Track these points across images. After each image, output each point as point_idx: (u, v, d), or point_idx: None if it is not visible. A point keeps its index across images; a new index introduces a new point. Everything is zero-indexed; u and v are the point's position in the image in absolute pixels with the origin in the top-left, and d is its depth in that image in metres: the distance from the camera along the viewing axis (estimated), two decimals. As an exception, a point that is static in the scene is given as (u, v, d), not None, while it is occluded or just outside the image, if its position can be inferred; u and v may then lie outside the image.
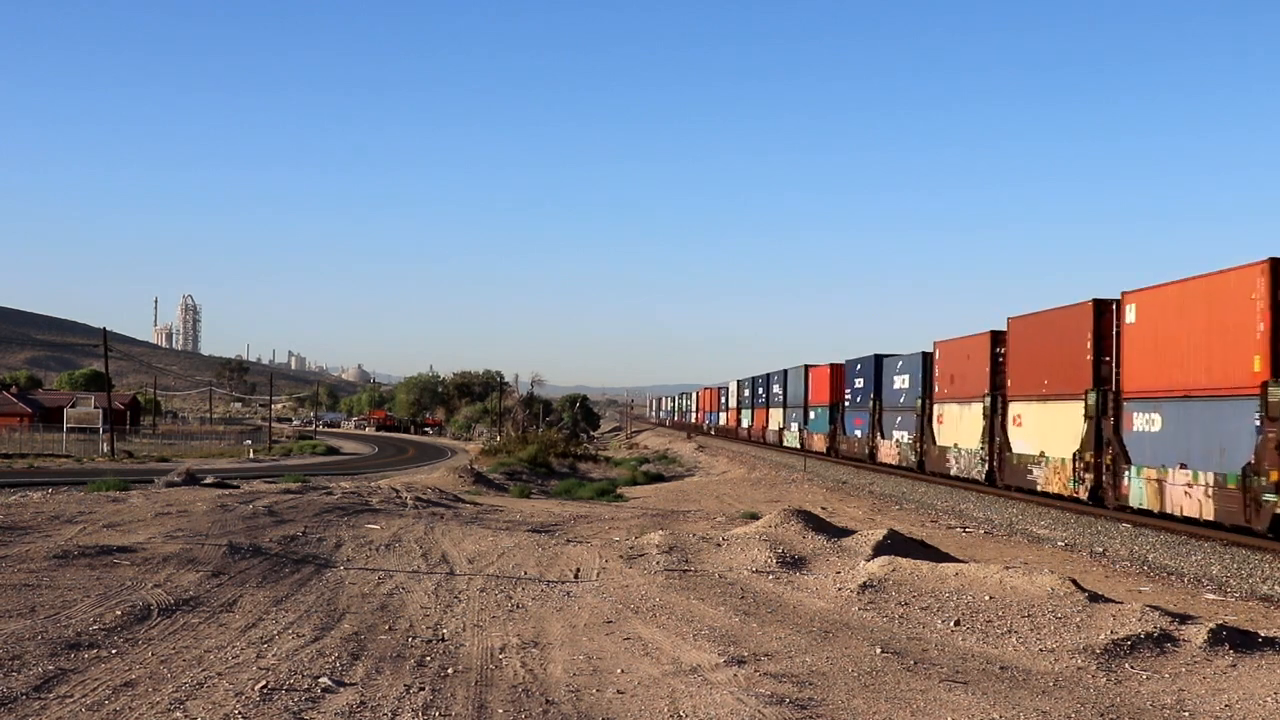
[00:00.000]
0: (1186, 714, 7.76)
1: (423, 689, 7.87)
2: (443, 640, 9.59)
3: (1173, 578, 17.01)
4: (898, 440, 42.05)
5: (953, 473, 35.28)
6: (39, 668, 8.01)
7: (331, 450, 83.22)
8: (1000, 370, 31.75)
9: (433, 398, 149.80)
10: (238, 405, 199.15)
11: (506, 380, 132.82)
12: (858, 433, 48.25)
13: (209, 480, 28.29)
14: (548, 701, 7.64)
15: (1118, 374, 24.45)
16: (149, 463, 57.52)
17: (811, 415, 57.35)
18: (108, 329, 77.89)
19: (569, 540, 16.63)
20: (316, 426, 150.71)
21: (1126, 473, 23.48)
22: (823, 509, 25.41)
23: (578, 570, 13.55)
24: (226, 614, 10.37)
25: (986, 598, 11.21)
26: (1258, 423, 18.79)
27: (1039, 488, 28.23)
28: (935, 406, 37.31)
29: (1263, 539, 18.94)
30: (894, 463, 42.19)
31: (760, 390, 73.81)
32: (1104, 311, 25.31)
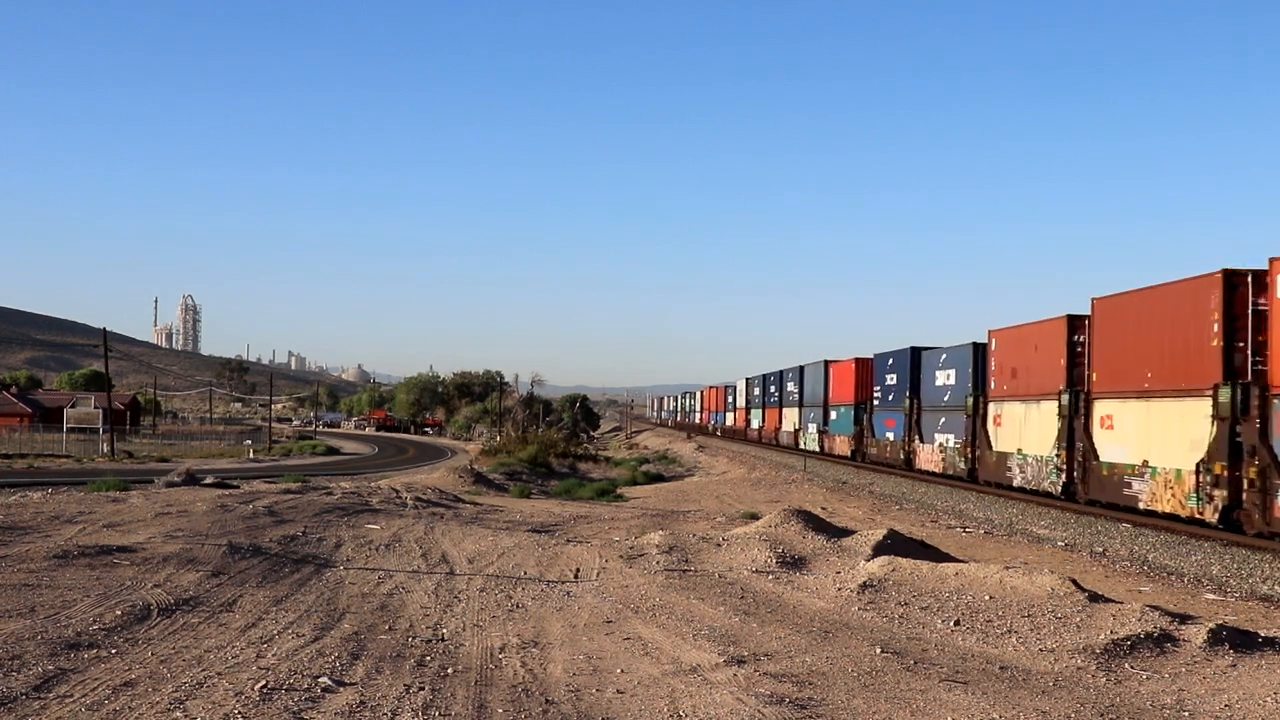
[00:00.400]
0: (1186, 714, 7.76)
1: (423, 689, 7.87)
2: (443, 640, 9.60)
3: (1173, 578, 17.01)
4: (941, 445, 36.80)
5: (1016, 483, 29.89)
6: (39, 667, 8.01)
7: (331, 450, 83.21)
8: (1079, 362, 26.87)
9: (433, 398, 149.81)
10: (238, 405, 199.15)
11: (506, 380, 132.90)
12: (890, 435, 42.94)
13: (209, 480, 28.29)
14: (548, 701, 7.64)
15: (1262, 363, 19.36)
16: (149, 463, 57.52)
17: (833, 415, 52.33)
18: (108, 329, 77.93)
19: (569, 540, 16.63)
20: (316, 427, 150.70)
21: None
22: (823, 509, 25.42)
23: (578, 570, 13.55)
24: (226, 614, 10.37)
25: (986, 598, 11.21)
26: None
27: (1141, 505, 23.07)
28: (991, 406, 32.05)
29: None
30: (936, 470, 37.16)
31: (773, 388, 68.85)
32: (1237, 285, 20.05)
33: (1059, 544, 21.07)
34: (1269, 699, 8.03)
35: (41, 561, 12.61)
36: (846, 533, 16.68)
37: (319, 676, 8.04)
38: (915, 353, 40.32)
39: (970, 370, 34.21)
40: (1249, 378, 19.57)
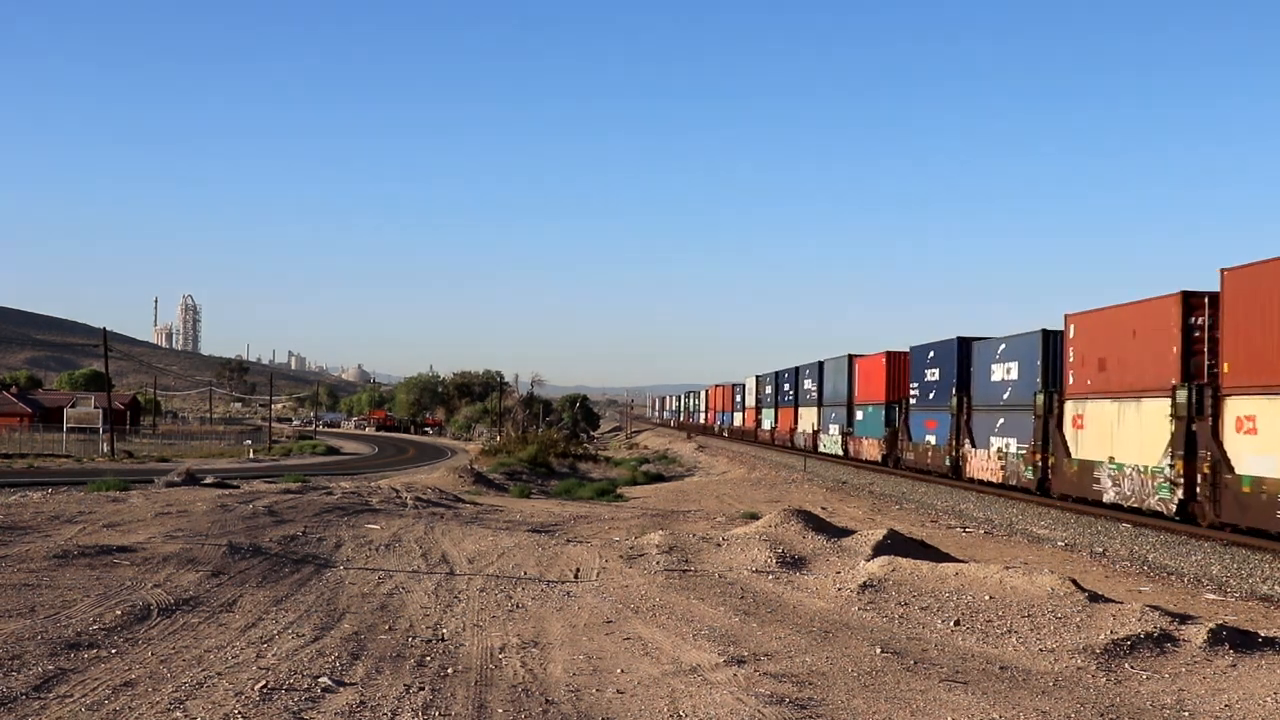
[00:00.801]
0: (1186, 714, 7.76)
1: (423, 689, 7.88)
2: (443, 640, 9.60)
3: (1173, 578, 17.02)
4: (1000, 450, 31.56)
5: (1108, 499, 24.59)
6: (39, 667, 8.01)
7: (331, 450, 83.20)
8: (1197, 349, 22.02)
9: (433, 398, 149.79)
10: (238, 405, 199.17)
11: (506, 380, 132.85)
12: (930, 438, 37.89)
13: (209, 480, 28.30)
14: (548, 701, 7.64)
15: None
16: (149, 463, 57.52)
17: (858, 416, 47.69)
18: (108, 329, 77.88)
19: (569, 540, 16.63)
20: (316, 426, 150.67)
21: None
22: (823, 509, 25.42)
23: (578, 570, 13.55)
24: (226, 614, 10.37)
25: (986, 598, 11.21)
26: None
27: None
28: (1069, 405, 26.81)
29: None
30: (993, 479, 31.88)
31: (787, 386, 64.18)
32: None
33: (1059, 544, 21.08)
34: (1269, 699, 8.03)
35: (41, 561, 12.62)
36: (846, 533, 16.68)
37: (319, 676, 8.04)
38: (964, 344, 35.29)
39: (1039, 362, 29.24)
40: None
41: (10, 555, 12.93)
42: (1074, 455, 26.64)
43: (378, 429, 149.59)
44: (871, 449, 45.17)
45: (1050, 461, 28.17)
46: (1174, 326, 22.51)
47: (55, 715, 6.95)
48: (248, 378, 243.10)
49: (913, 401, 40.43)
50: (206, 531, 15.72)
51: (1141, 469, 23.40)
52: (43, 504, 20.02)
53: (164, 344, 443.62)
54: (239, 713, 7.06)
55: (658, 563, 13.85)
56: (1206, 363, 21.86)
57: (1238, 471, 19.89)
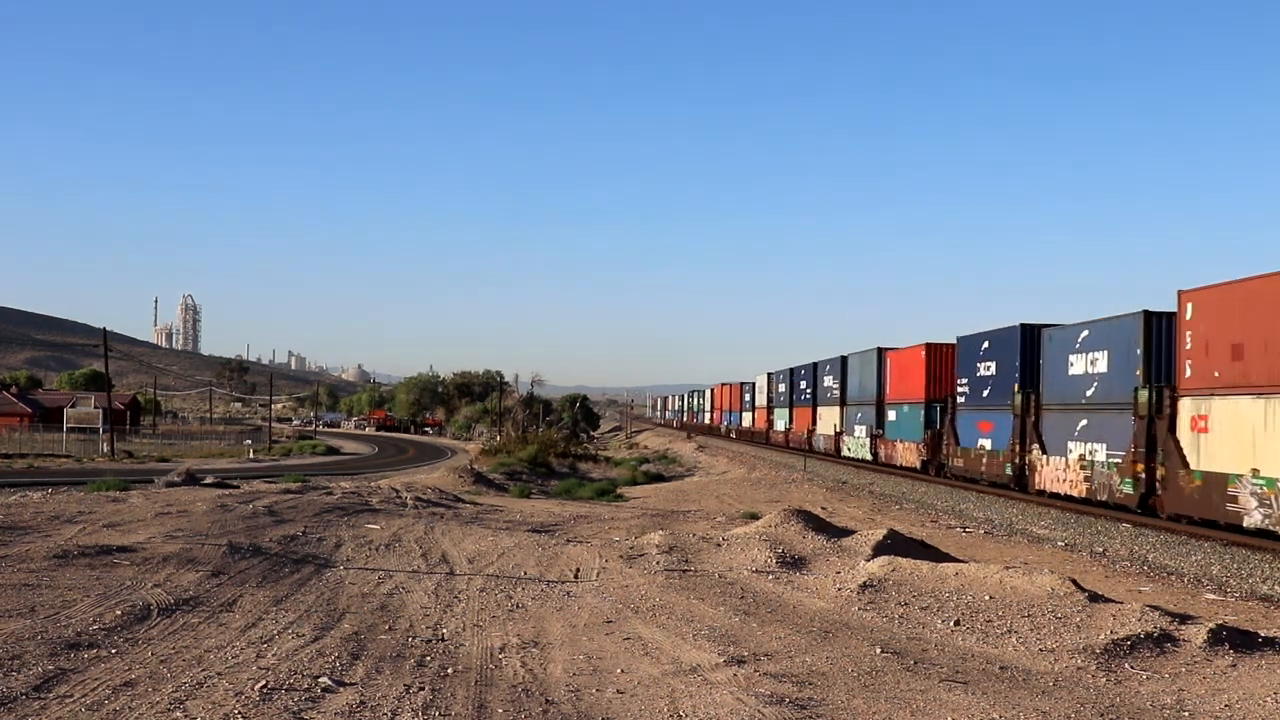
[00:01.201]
0: (1186, 714, 7.76)
1: (423, 689, 7.88)
2: (443, 640, 9.60)
3: (1173, 578, 17.02)
4: (1083, 458, 26.35)
5: (1252, 523, 19.40)
6: (39, 667, 8.01)
7: (331, 450, 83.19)
8: None
9: (433, 398, 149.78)
10: (238, 405, 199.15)
11: (506, 380, 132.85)
12: (985, 443, 32.71)
13: (209, 480, 28.30)
14: (548, 701, 7.64)
15: None
16: (149, 463, 57.51)
17: (890, 416, 42.80)
18: (108, 329, 77.87)
19: (569, 540, 16.63)
20: (316, 426, 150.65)
21: None
22: (823, 509, 25.42)
23: (578, 570, 13.55)
24: (226, 614, 10.37)
25: (986, 598, 11.22)
26: None
27: None
28: (1185, 403, 21.97)
29: None
30: (1074, 493, 26.68)
31: (803, 384, 59.44)
32: None
33: (1059, 544, 21.08)
34: (1269, 699, 8.03)
35: (41, 561, 12.62)
36: (846, 533, 16.69)
37: (319, 676, 8.04)
38: (1030, 332, 30.44)
39: (1139, 351, 24.17)
40: None
41: (10, 555, 12.93)
42: (1195, 466, 21.44)
43: (378, 429, 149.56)
44: (908, 454, 40.09)
45: (1160, 474, 22.98)
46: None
47: (55, 715, 6.95)
48: (248, 378, 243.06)
49: (960, 400, 35.21)
50: (206, 531, 15.72)
51: None
52: (43, 504, 20.02)
53: (164, 344, 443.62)
54: (239, 713, 7.06)
55: (658, 563, 13.85)
56: None
57: None
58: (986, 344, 33.17)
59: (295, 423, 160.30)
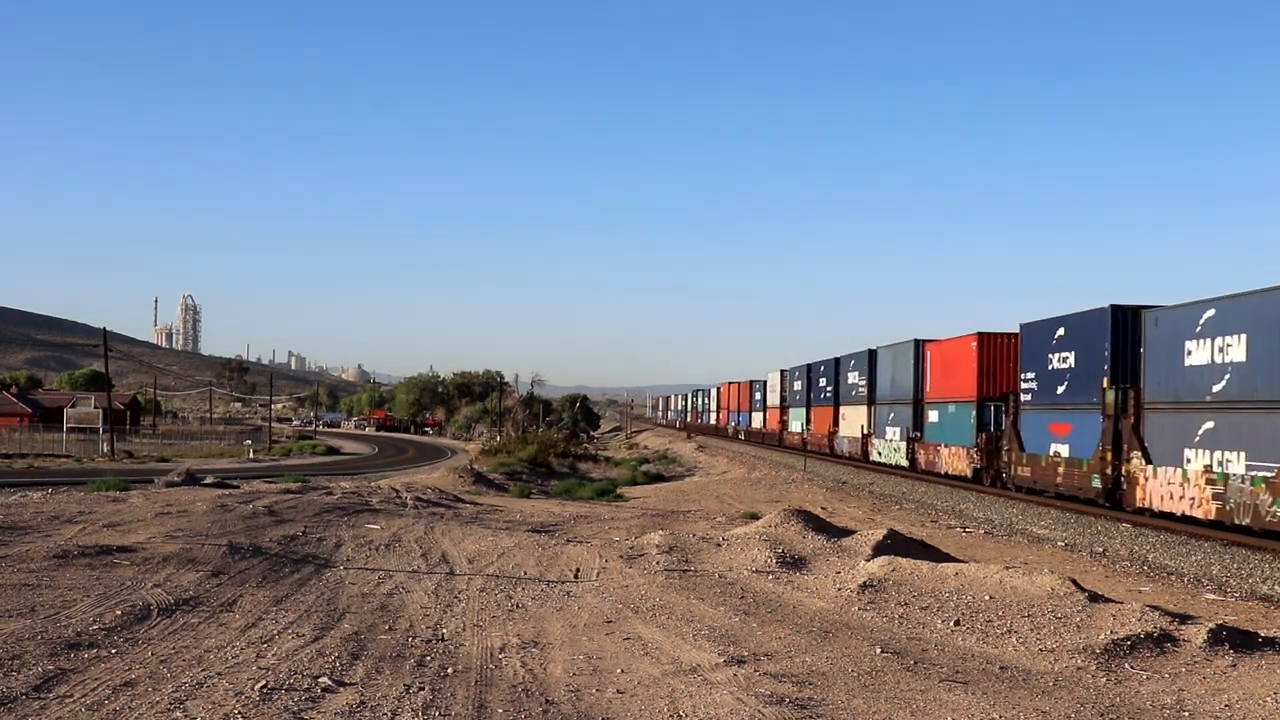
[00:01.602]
0: (1186, 714, 7.77)
1: (423, 689, 7.88)
2: (443, 640, 9.60)
3: (1173, 578, 17.03)
4: (1209, 470, 21.06)
5: None
6: (39, 667, 8.01)
7: (331, 450, 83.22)
8: None
9: (433, 398, 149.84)
10: (238, 405, 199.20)
11: (506, 380, 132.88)
12: (1060, 448, 27.69)
13: (209, 480, 28.30)
14: (548, 701, 7.65)
15: None
16: (149, 463, 57.52)
17: (931, 417, 38.28)
18: (108, 329, 77.88)
19: (569, 540, 16.64)
20: (316, 426, 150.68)
21: None
22: (823, 509, 25.43)
23: (578, 570, 13.56)
24: (226, 614, 10.38)
25: (986, 598, 11.22)
26: None
27: None
28: None
29: None
30: (1202, 515, 21.27)
31: (823, 381, 54.61)
32: None
33: (1059, 544, 21.08)
34: (1269, 699, 8.03)
35: (41, 561, 12.62)
36: (846, 533, 16.69)
37: (319, 676, 8.05)
38: (1124, 314, 25.50)
39: None
40: None
41: (10, 555, 12.94)
42: None
43: (378, 429, 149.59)
44: (955, 460, 35.41)
45: None
46: None
47: (55, 715, 6.95)
48: (248, 378, 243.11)
49: (1027, 397, 30.07)
50: (206, 531, 15.73)
51: None
52: (43, 504, 20.03)
53: (164, 344, 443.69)
54: (239, 713, 7.07)
55: (658, 563, 13.85)
56: None
57: None
58: (1062, 331, 28.04)
59: (295, 423, 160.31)
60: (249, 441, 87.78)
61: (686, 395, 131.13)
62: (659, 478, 46.91)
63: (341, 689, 7.76)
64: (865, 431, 46.54)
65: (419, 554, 14.88)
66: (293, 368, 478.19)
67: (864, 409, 46.82)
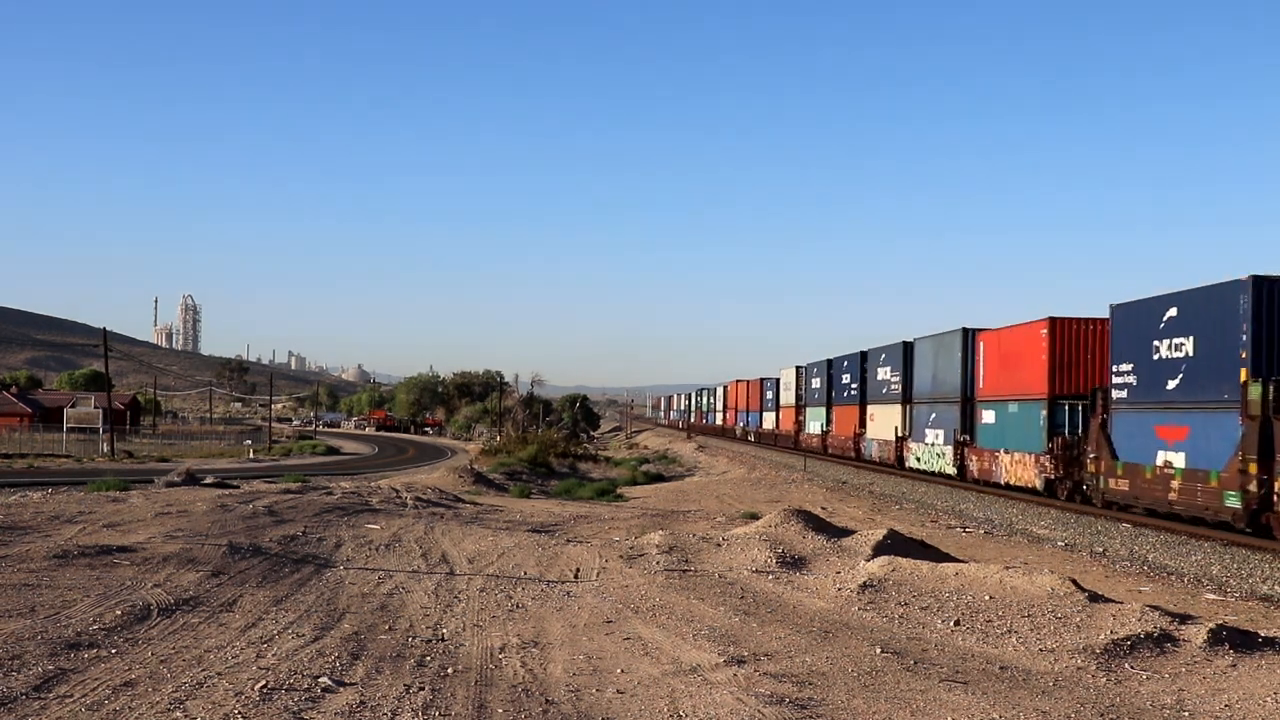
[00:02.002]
0: (1186, 714, 7.76)
1: (423, 689, 7.88)
2: (443, 640, 9.60)
3: (1173, 578, 17.02)
4: None
5: None
6: (39, 667, 8.01)
7: (331, 450, 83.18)
8: None
9: (433, 398, 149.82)
10: (238, 405, 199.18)
11: (506, 380, 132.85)
12: (1172, 457, 22.36)
13: (209, 480, 28.30)
14: (548, 701, 7.65)
15: None
16: (149, 463, 57.50)
17: (985, 418, 33.12)
18: (108, 329, 77.83)
19: (569, 540, 16.64)
20: (316, 426, 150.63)
21: None
22: (823, 509, 25.43)
23: (578, 570, 13.56)
24: (226, 614, 10.37)
25: (986, 598, 11.22)
26: None
27: None
28: None
29: None
30: None
31: (847, 378, 49.19)
32: None
33: (1059, 544, 21.08)
34: (1269, 699, 8.03)
35: (41, 561, 12.62)
36: (846, 533, 16.69)
37: (319, 676, 8.05)
38: (1268, 287, 20.05)
39: None
40: None
41: (10, 555, 12.94)
42: None
43: (378, 429, 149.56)
44: (1020, 469, 30.32)
45: None
46: None
47: (55, 715, 6.95)
48: (248, 378, 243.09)
49: (1121, 394, 24.76)
50: (206, 531, 15.72)
51: None
52: (43, 504, 20.02)
53: (164, 344, 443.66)
54: (239, 713, 7.06)
55: (658, 563, 13.85)
56: None
57: None
58: (1173, 311, 22.67)
59: (295, 423, 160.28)
60: (249, 441, 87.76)
61: (689, 395, 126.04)
62: (659, 478, 46.90)
63: (341, 689, 7.76)
64: (900, 434, 41.33)
65: (419, 554, 14.88)
66: (293, 368, 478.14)
67: (897, 409, 41.73)
